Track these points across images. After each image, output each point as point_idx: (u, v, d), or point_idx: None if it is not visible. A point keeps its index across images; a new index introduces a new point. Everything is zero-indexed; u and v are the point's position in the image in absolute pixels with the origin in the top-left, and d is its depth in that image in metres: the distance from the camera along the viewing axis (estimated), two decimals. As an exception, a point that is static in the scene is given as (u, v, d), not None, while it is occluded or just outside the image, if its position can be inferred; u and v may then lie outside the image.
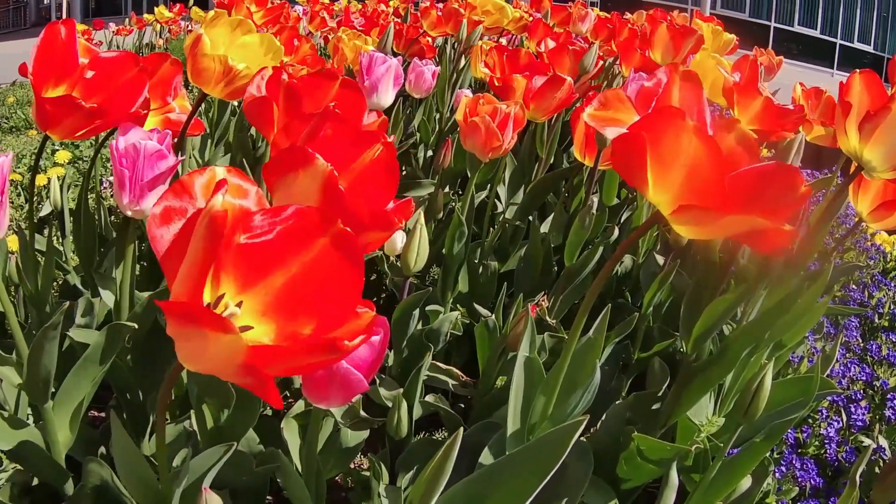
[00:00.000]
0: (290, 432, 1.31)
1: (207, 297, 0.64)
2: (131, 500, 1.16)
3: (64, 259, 1.76)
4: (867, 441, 1.53)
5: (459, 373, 1.61)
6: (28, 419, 1.28)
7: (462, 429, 0.93)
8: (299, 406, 1.33)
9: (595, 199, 1.62)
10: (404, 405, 1.21)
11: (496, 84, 1.87)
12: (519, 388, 1.21)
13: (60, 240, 1.82)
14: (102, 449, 1.33)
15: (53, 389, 1.17)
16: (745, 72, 1.87)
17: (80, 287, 1.65)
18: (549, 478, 0.99)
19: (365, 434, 1.33)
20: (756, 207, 0.74)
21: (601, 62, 2.42)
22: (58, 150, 2.89)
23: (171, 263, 0.62)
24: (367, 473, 1.27)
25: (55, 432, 1.19)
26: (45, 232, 1.88)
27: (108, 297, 1.42)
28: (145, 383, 1.35)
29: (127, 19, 8.30)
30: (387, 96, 1.71)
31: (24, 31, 13.73)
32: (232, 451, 0.99)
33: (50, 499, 1.31)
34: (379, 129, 1.07)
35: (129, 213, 1.13)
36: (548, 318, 1.54)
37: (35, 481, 1.31)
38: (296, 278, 0.63)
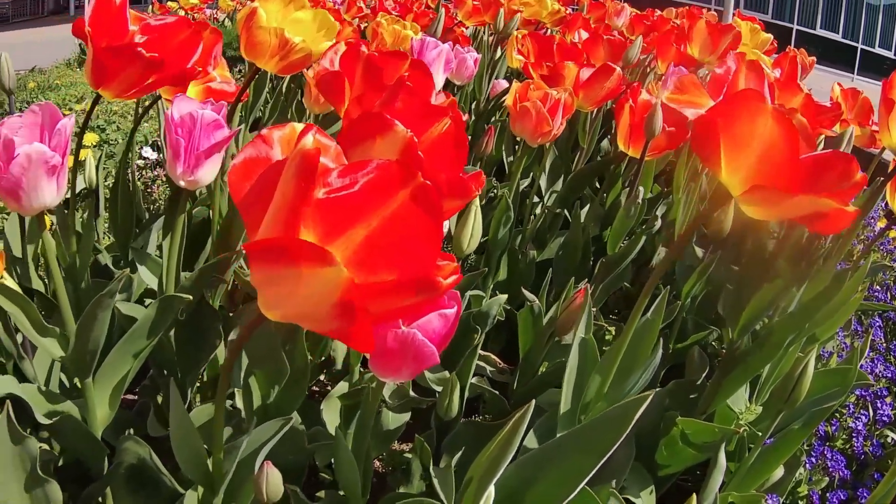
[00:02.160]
0: (331, 412, 1.31)
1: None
2: (170, 478, 1.16)
3: (95, 238, 1.76)
4: (893, 435, 1.55)
5: (497, 359, 1.61)
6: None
7: (532, 403, 0.92)
8: (338, 389, 1.33)
9: (641, 189, 1.63)
10: (457, 385, 1.20)
11: (532, 72, 1.87)
12: (573, 369, 1.21)
13: (94, 219, 1.81)
14: (130, 431, 1.32)
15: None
16: (784, 68, 1.87)
17: (111, 266, 1.64)
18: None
19: (406, 417, 1.33)
20: (817, 191, 0.77)
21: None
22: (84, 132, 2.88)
23: (252, 211, 0.62)
24: (409, 455, 1.26)
25: (94, 409, 1.18)
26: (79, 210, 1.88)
27: (145, 274, 1.41)
28: (186, 361, 1.33)
29: (150, 6, 8.28)
30: (438, 81, 1.71)
31: (42, 19, 13.75)
32: (289, 425, 0.99)
33: (75, 481, 1.27)
34: (448, 106, 1.07)
35: (182, 184, 1.13)
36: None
37: (60, 461, 1.30)
38: (377, 232, 0.62)
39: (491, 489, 0.98)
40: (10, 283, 1.07)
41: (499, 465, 0.95)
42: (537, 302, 1.48)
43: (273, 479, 0.89)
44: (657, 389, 1.04)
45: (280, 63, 1.34)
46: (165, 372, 1.36)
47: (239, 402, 1.26)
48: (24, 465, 1.01)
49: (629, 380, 1.23)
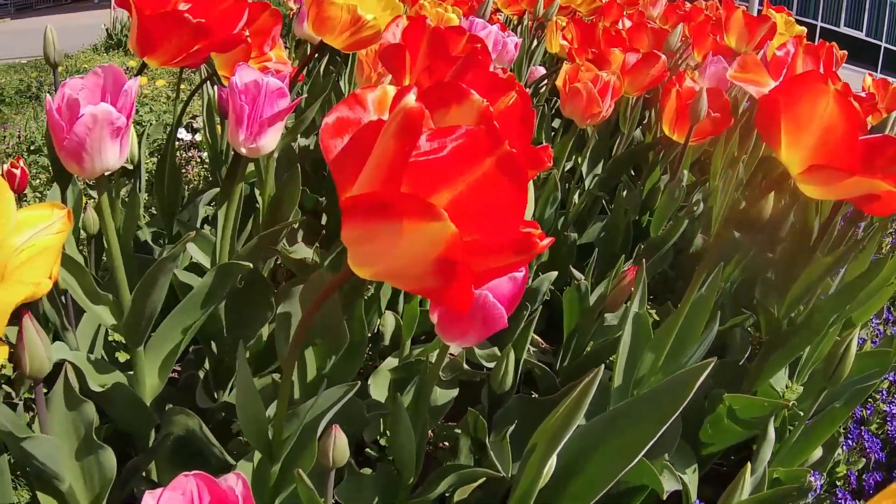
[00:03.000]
0: (379, 387, 1.32)
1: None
2: (220, 449, 1.16)
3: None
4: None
5: (539, 339, 1.61)
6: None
7: (601, 367, 0.92)
8: (387, 364, 1.34)
9: (686, 172, 1.64)
10: (512, 357, 1.20)
11: (575, 57, 1.88)
12: (626, 344, 1.22)
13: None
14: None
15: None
16: (822, 58, 1.88)
17: (150, 242, 1.65)
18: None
19: (454, 393, 1.33)
20: (872, 173, 0.81)
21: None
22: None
23: (344, 168, 0.62)
24: (458, 431, 1.26)
25: (143, 379, 1.18)
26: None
27: (191, 247, 1.40)
28: (236, 334, 1.33)
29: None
30: (488, 60, 1.72)
31: (66, 6, 13.77)
32: (353, 391, 0.99)
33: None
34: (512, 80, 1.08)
35: (243, 151, 1.12)
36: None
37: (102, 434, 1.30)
38: (463, 196, 0.62)
39: (553, 457, 0.98)
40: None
41: (566, 431, 0.95)
42: (585, 281, 1.48)
43: (340, 443, 0.90)
44: (715, 359, 1.04)
45: (349, 39, 1.35)
46: (214, 345, 1.36)
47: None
48: (78, 431, 1.01)
49: (684, 354, 1.24)
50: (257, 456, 1.03)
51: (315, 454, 0.99)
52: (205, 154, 2.63)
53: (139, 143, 1.76)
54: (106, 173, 0.97)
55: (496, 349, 1.40)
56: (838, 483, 1.42)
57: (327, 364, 1.18)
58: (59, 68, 1.42)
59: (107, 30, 5.98)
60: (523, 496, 1.02)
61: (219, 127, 1.80)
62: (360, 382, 0.99)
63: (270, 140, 1.14)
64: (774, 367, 1.40)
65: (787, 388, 1.41)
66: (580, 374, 1.27)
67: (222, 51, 1.20)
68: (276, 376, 1.32)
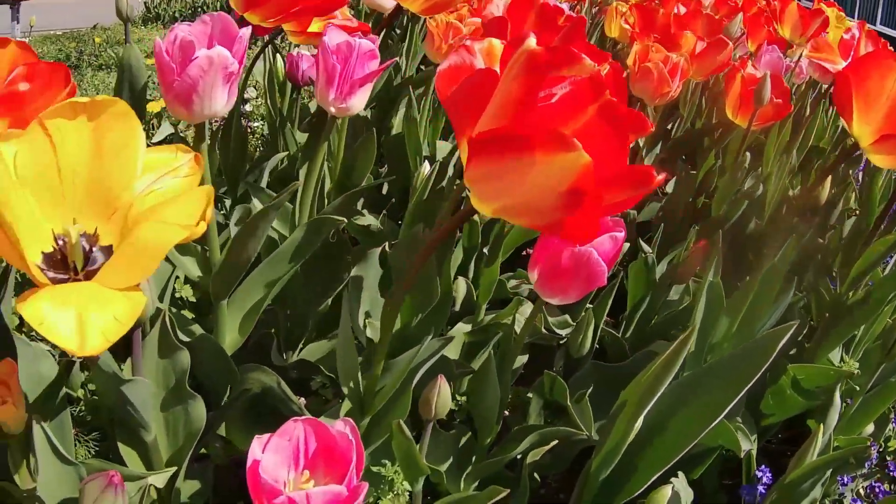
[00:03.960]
0: (451, 352, 1.33)
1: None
2: (300, 406, 1.16)
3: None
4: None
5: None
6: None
7: (694, 327, 0.94)
8: (459, 328, 1.35)
9: (748, 154, 1.66)
10: (592, 322, 1.22)
11: (638, 41, 1.89)
12: (700, 312, 1.24)
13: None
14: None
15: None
16: (880, 42, 1.91)
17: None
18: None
19: (524, 358, 1.35)
20: None
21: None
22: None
23: (462, 110, 0.65)
24: (530, 395, 1.28)
25: (223, 333, 1.18)
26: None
27: (258, 207, 1.38)
28: (312, 293, 1.34)
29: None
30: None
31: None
32: (450, 343, 1.00)
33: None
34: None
35: (332, 111, 1.13)
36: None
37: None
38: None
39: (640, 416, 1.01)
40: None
41: (656, 390, 0.97)
42: (652, 254, 1.50)
43: (444, 394, 0.91)
44: (797, 322, 1.06)
45: (426, 3, 1.36)
46: (287, 305, 1.37)
47: (369, 333, 1.28)
48: (168, 380, 1.00)
49: (758, 322, 1.26)
50: (344, 409, 1.04)
51: (408, 407, 1.01)
52: (255, 124, 2.65)
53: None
54: (211, 120, 0.99)
55: (568, 317, 1.41)
56: (888, 458, 1.48)
57: (414, 320, 1.19)
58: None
59: (145, 3, 6.01)
60: (609, 454, 1.04)
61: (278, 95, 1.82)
62: (453, 336, 1.01)
63: (360, 101, 1.14)
64: (834, 341, 1.43)
65: (842, 362, 1.44)
66: (645, 345, 1.30)
67: (319, 14, 1.21)
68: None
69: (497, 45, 0.75)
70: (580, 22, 0.97)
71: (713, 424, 1.03)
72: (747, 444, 1.23)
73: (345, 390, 1.04)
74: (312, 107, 2.08)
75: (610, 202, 0.62)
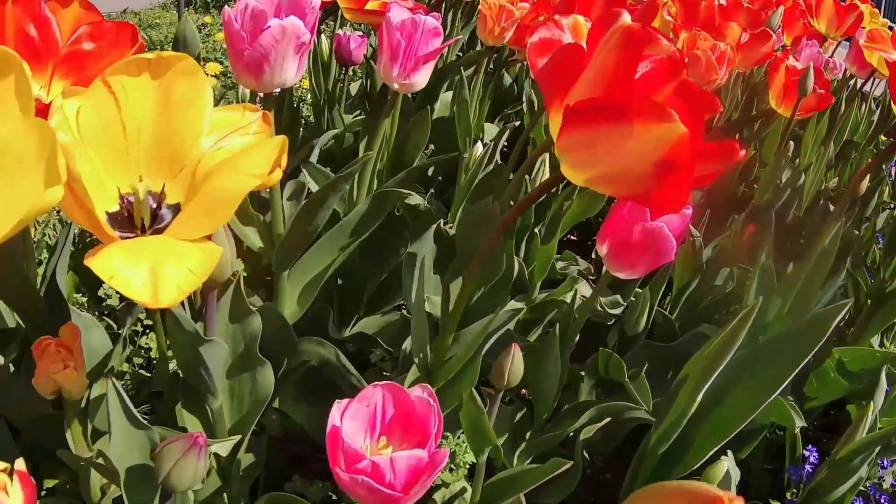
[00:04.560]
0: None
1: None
2: (359, 378, 1.16)
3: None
4: None
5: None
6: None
7: (758, 303, 0.96)
8: (511, 306, 1.36)
9: (791, 143, 1.68)
10: (648, 301, 1.24)
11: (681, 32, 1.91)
12: (753, 293, 1.26)
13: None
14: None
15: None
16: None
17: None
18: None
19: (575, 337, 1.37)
20: None
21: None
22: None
23: (553, 81, 0.66)
24: (582, 372, 1.29)
25: (283, 304, 1.18)
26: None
27: (310, 183, 1.39)
28: (368, 267, 1.35)
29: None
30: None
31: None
32: (518, 316, 1.01)
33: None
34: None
35: (395, 86, 1.14)
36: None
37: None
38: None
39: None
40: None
41: (719, 363, 0.99)
42: (699, 237, 1.51)
43: (517, 363, 0.91)
44: (851, 300, 1.08)
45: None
46: (341, 281, 1.38)
47: (428, 308, 1.29)
48: (237, 346, 0.99)
49: (810, 304, 1.28)
50: (410, 379, 1.04)
51: (475, 377, 1.01)
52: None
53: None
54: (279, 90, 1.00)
55: (619, 297, 1.43)
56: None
57: (475, 294, 1.20)
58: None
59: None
60: (670, 427, 1.06)
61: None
62: (523, 306, 1.02)
63: (423, 77, 1.16)
64: (876, 328, 1.47)
65: (883, 347, 1.46)
66: (693, 327, 1.31)
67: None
68: (404, 312, 1.35)
69: (581, 20, 0.77)
70: (653, 4, 0.98)
71: (770, 399, 1.04)
72: (800, 421, 1.24)
73: (415, 360, 1.04)
74: (353, 88, 2.09)
75: (698, 174, 0.64)
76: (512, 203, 1.11)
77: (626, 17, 0.61)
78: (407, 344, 1.19)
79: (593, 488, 1.33)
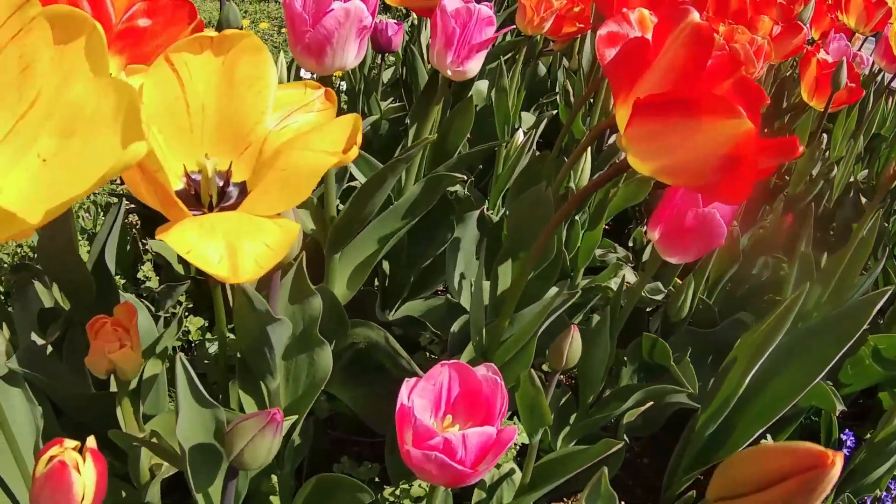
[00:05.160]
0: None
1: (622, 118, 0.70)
2: (408, 360, 1.17)
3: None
4: None
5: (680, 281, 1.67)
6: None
7: (805, 287, 0.98)
8: (551, 293, 1.38)
9: (825, 136, 1.70)
10: (692, 286, 1.26)
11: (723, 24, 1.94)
12: (793, 280, 1.29)
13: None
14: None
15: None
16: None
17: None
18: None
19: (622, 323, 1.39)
20: None
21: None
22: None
23: (621, 73, 0.69)
24: (626, 357, 1.31)
25: (333, 287, 1.18)
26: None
27: (354, 170, 1.42)
28: (415, 251, 1.35)
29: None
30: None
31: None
32: (574, 299, 1.03)
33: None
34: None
35: (448, 73, 1.15)
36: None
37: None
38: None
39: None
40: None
41: (767, 346, 1.01)
42: (737, 226, 1.53)
43: (576, 344, 0.93)
44: (889, 288, 1.11)
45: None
46: (387, 266, 1.39)
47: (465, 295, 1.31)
48: (297, 327, 0.98)
49: (849, 291, 1.30)
50: (464, 360, 1.04)
51: (531, 358, 1.02)
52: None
53: (288, 70, 1.80)
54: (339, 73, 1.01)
55: (660, 284, 1.45)
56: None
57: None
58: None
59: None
60: (718, 409, 1.08)
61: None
62: (578, 290, 1.04)
63: (475, 65, 1.16)
64: None
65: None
66: (731, 314, 1.33)
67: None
68: (449, 296, 1.36)
69: (647, 14, 0.80)
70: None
71: (814, 383, 1.06)
72: (840, 406, 1.26)
73: (472, 341, 1.06)
74: (385, 76, 2.10)
75: (761, 168, 0.66)
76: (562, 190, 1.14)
77: (695, 15, 0.63)
78: (455, 326, 1.20)
79: (632, 472, 1.35)
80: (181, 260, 1.44)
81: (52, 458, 0.58)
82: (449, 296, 1.34)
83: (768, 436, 1.18)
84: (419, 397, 0.74)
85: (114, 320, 0.85)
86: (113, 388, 1.02)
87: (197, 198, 0.65)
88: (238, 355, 1.00)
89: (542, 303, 1.05)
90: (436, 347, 1.34)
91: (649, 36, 0.70)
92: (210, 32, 0.66)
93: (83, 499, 0.59)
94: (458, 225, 1.33)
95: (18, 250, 1.63)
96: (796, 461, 0.47)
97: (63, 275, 1.03)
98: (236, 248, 0.55)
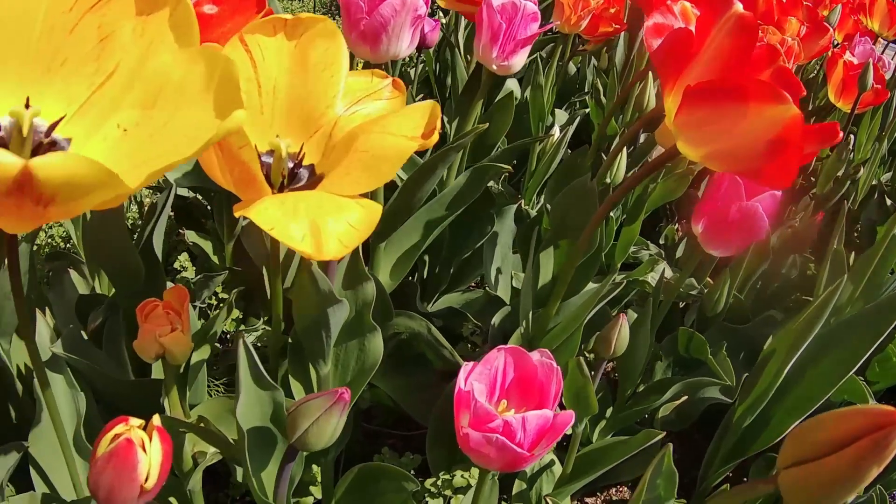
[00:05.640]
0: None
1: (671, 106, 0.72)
2: (450, 349, 1.19)
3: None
4: None
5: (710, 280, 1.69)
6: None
7: (841, 280, 1.01)
8: (589, 287, 1.40)
9: (852, 136, 1.72)
10: (728, 283, 1.28)
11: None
12: (824, 277, 1.30)
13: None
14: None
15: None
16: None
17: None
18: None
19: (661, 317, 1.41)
20: None
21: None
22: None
23: (667, 62, 0.72)
24: (661, 351, 1.32)
25: (377, 276, 1.18)
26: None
27: None
28: (455, 243, 1.36)
29: None
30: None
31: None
32: (619, 289, 1.05)
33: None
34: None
35: (494, 68, 1.17)
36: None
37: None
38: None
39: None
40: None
41: (805, 338, 1.03)
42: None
43: (624, 333, 0.94)
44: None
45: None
46: (427, 258, 1.41)
47: (501, 287, 1.34)
48: (350, 313, 0.97)
49: (881, 288, 1.31)
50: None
51: (577, 347, 1.04)
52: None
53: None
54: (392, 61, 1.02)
55: (694, 280, 1.47)
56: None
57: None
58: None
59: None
60: (756, 401, 1.10)
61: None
62: (623, 280, 1.06)
63: (520, 60, 1.18)
64: None
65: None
66: (760, 312, 1.35)
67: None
68: (487, 289, 1.38)
69: (689, 6, 0.84)
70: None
71: (847, 375, 1.09)
72: (872, 400, 1.28)
73: (520, 327, 1.08)
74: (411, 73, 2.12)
75: (804, 153, 0.69)
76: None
77: (739, 6, 0.65)
78: (496, 318, 1.22)
79: None
80: (217, 251, 1.46)
81: (116, 436, 0.57)
82: (487, 288, 1.35)
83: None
84: (476, 381, 0.75)
85: (165, 303, 0.84)
86: (156, 374, 1.05)
87: (266, 179, 0.65)
88: (289, 340, 1.00)
89: (588, 292, 1.07)
90: (477, 338, 1.35)
91: (692, 27, 0.73)
92: (285, 15, 0.68)
93: (147, 479, 0.58)
94: (497, 218, 1.35)
95: (50, 241, 1.64)
96: (869, 421, 0.48)
97: (112, 260, 1.04)
98: (320, 226, 0.57)
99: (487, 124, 1.13)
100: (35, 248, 1.28)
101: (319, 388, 0.98)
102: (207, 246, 1.46)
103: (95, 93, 0.55)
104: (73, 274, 1.17)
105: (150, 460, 0.57)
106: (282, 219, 0.57)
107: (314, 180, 0.69)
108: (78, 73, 0.55)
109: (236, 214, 0.58)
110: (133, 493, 0.57)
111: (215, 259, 1.47)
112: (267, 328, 1.37)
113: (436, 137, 0.64)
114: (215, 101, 0.50)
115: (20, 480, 0.92)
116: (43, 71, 0.55)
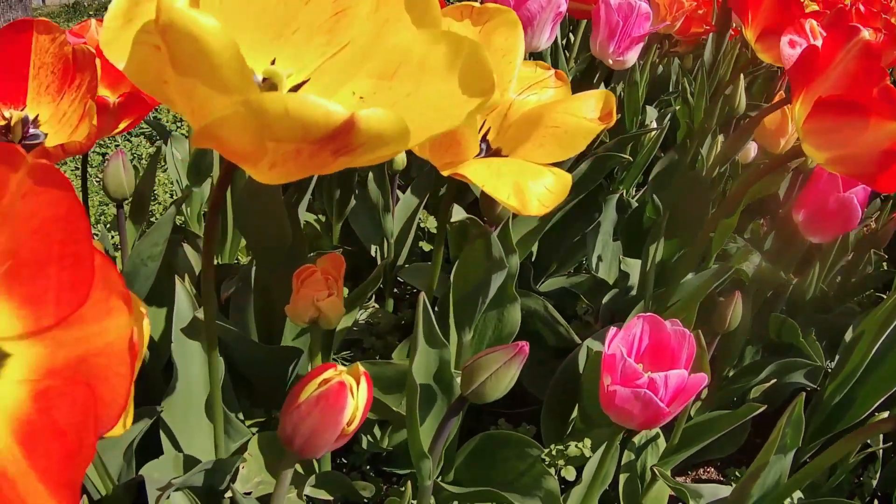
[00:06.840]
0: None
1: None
2: (567, 328, 1.26)
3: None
4: None
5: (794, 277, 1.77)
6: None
7: None
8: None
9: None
10: (817, 271, 1.37)
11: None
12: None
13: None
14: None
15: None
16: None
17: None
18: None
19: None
20: None
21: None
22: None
23: (798, 75, 0.83)
24: (746, 337, 1.40)
25: None
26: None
27: None
28: (566, 229, 1.43)
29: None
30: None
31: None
32: (733, 271, 1.14)
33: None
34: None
35: (610, 63, 1.28)
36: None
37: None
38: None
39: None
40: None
41: (890, 323, 1.14)
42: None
43: (738, 310, 1.04)
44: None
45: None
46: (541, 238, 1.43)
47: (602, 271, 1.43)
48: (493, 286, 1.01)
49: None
50: None
51: (692, 323, 1.11)
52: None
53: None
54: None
55: (782, 271, 1.55)
56: None
57: (674, 255, 1.33)
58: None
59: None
60: (845, 379, 1.19)
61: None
62: (733, 266, 1.14)
63: (633, 56, 1.29)
64: None
65: None
66: (840, 303, 1.43)
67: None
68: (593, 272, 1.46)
69: (815, 23, 1.00)
70: (844, 12, 1.12)
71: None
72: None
73: (643, 303, 1.18)
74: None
75: None
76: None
77: (866, 33, 0.77)
78: (606, 298, 1.32)
79: (748, 450, 1.43)
80: (325, 231, 1.55)
81: (325, 381, 0.58)
82: (592, 272, 1.45)
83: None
84: (619, 345, 0.81)
85: (323, 269, 0.86)
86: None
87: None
88: (435, 308, 1.04)
89: (704, 275, 1.15)
90: (590, 317, 1.43)
91: (818, 42, 0.83)
92: (473, 3, 0.76)
93: (351, 423, 0.59)
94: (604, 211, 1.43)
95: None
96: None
97: (261, 229, 1.06)
98: (522, 186, 0.67)
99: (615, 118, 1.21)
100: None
101: (458, 356, 1.04)
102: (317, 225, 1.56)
103: (327, 62, 0.58)
104: (188, 248, 1.25)
105: (357, 403, 0.59)
106: (490, 178, 0.67)
107: (491, 152, 0.80)
108: (309, 42, 0.58)
109: (444, 174, 0.69)
110: (334, 435, 0.59)
111: (325, 239, 1.55)
112: (376, 306, 1.46)
113: (614, 118, 0.75)
114: (462, 80, 0.54)
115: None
116: (273, 37, 0.58)
